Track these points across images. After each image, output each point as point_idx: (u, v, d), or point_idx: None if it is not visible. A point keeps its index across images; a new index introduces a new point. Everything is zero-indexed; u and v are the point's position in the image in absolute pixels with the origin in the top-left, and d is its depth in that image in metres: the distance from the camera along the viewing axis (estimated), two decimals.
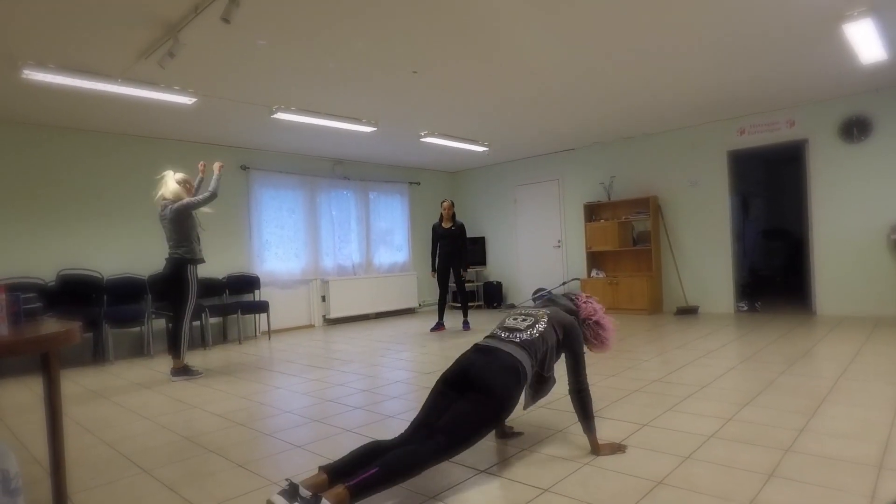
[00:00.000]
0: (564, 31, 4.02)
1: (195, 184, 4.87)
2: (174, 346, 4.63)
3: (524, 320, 2.48)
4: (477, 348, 2.38)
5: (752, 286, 8.41)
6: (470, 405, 2.13)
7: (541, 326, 2.42)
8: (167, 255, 4.65)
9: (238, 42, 3.92)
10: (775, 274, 9.51)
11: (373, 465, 1.88)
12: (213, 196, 4.59)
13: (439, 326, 6.82)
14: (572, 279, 8.56)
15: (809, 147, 6.51)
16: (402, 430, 2.22)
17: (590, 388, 2.45)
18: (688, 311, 7.20)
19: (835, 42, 4.44)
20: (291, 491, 1.78)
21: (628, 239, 7.97)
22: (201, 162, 5.00)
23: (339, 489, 1.78)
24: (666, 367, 4.11)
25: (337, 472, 1.92)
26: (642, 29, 4.04)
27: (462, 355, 2.37)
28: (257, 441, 2.89)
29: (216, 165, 4.68)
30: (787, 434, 2.56)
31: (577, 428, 2.77)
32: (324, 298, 8.09)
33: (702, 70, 5.03)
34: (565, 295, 2.76)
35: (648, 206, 7.61)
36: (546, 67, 4.77)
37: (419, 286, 9.31)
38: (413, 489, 2.16)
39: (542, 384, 2.44)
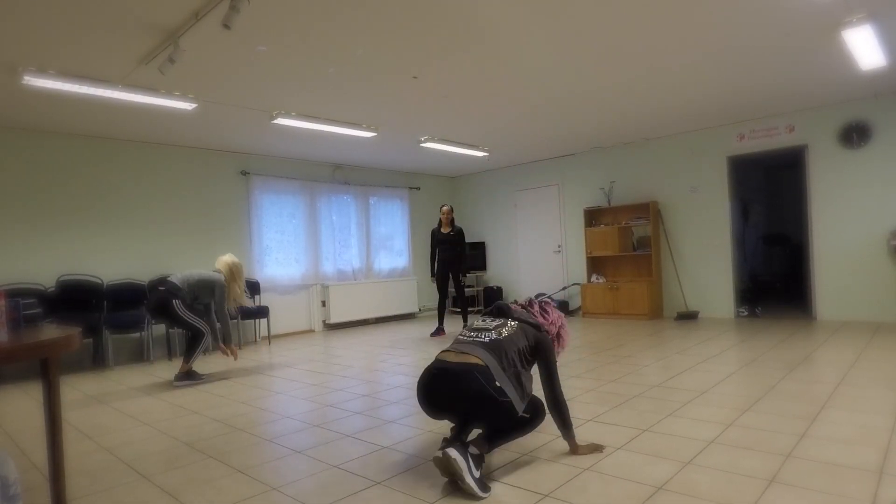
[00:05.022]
0: (564, 37, 4.04)
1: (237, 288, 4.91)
2: (188, 353, 4.63)
3: (493, 321, 2.51)
4: (437, 375, 2.31)
5: (753, 291, 8.40)
6: (491, 413, 2.26)
7: (509, 329, 2.42)
8: (162, 287, 4.58)
9: (238, 48, 3.94)
10: (775, 279, 9.50)
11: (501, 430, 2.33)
12: (222, 318, 4.75)
13: (439, 331, 6.81)
14: (572, 284, 8.57)
15: (809, 153, 6.52)
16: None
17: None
18: (688, 317, 7.19)
19: (834, 48, 4.46)
20: (450, 440, 2.25)
21: (628, 244, 7.98)
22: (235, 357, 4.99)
23: (481, 442, 2.25)
24: (666, 373, 4.11)
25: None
26: (642, 36, 4.05)
27: (428, 385, 2.33)
28: (257, 446, 2.88)
29: (234, 352, 4.88)
30: (787, 440, 2.56)
31: (576, 433, 2.77)
32: (324, 303, 8.09)
33: (701, 76, 5.04)
34: (523, 308, 2.70)
35: (648, 211, 7.62)
36: (546, 73, 4.79)
37: (419, 291, 9.31)
38: (412, 494, 2.15)
39: (521, 380, 2.37)
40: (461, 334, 2.50)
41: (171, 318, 4.60)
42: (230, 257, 4.91)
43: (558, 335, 2.68)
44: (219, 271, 4.80)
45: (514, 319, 2.51)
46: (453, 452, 2.10)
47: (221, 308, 4.74)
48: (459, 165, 9.20)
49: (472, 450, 2.17)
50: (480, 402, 2.18)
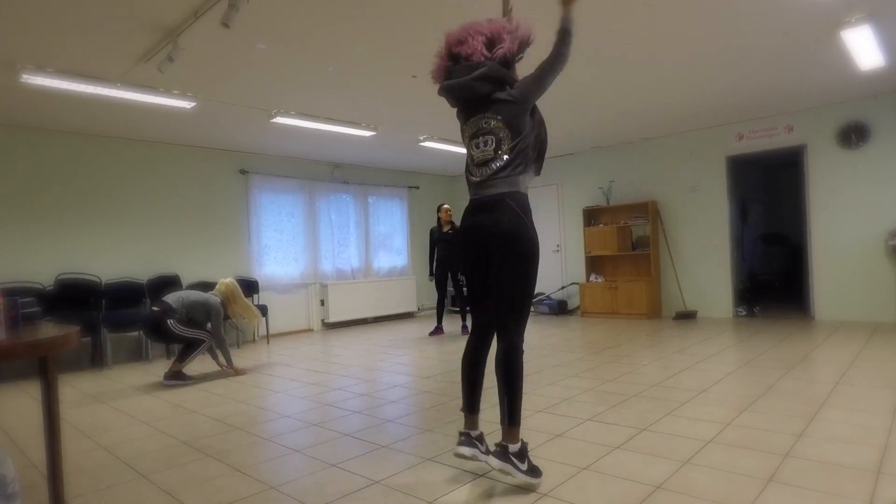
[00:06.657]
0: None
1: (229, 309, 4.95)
2: (183, 354, 4.61)
3: (486, 144, 2.28)
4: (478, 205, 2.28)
5: (751, 291, 8.41)
6: (505, 285, 2.23)
7: (504, 133, 2.25)
8: (156, 308, 4.61)
9: (237, 46, 3.93)
10: (774, 279, 9.51)
11: (502, 395, 2.21)
12: (218, 341, 4.76)
13: (438, 330, 6.81)
14: (571, 283, 8.57)
15: (808, 153, 6.53)
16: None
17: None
18: (686, 316, 7.20)
19: (833, 48, 4.46)
20: (467, 439, 2.23)
21: (627, 244, 7.98)
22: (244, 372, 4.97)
23: (507, 429, 2.18)
24: (665, 372, 4.11)
25: (477, 406, 2.34)
26: (641, 36, 4.05)
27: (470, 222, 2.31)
28: (256, 445, 2.88)
29: (238, 371, 4.88)
30: (785, 439, 2.56)
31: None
32: (322, 302, 8.08)
33: (701, 76, 5.04)
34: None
35: (647, 210, 7.62)
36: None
37: (418, 290, 9.31)
38: (411, 493, 2.15)
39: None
40: (472, 174, 2.35)
41: (168, 337, 4.67)
42: (229, 280, 4.97)
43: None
44: (217, 293, 4.85)
45: (494, 117, 2.28)
46: (496, 463, 2.12)
47: (217, 331, 4.76)
48: (459, 165, 9.17)
49: (512, 448, 2.14)
50: (510, 242, 2.18)
